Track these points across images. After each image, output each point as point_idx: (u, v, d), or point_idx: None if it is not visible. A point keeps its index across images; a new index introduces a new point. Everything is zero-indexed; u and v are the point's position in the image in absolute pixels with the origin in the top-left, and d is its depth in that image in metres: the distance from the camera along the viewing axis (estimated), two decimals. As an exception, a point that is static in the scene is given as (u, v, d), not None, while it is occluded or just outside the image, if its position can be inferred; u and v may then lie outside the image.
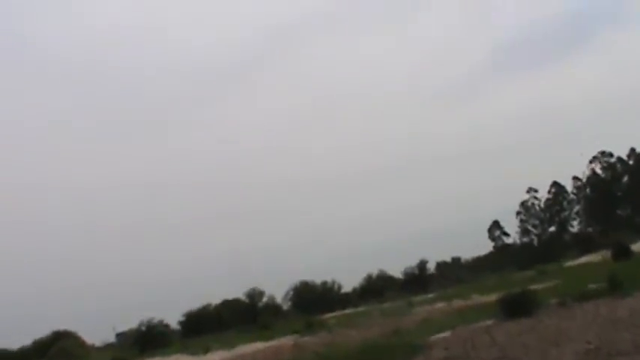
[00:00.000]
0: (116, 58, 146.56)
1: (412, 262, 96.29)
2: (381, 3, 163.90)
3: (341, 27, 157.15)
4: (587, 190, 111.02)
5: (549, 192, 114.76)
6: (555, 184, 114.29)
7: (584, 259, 63.63)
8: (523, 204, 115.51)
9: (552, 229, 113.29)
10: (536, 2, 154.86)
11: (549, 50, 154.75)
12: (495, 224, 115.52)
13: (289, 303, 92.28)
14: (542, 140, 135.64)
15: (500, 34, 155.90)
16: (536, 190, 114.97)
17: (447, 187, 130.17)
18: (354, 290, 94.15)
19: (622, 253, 42.78)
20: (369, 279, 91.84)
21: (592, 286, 31.82)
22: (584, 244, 77.23)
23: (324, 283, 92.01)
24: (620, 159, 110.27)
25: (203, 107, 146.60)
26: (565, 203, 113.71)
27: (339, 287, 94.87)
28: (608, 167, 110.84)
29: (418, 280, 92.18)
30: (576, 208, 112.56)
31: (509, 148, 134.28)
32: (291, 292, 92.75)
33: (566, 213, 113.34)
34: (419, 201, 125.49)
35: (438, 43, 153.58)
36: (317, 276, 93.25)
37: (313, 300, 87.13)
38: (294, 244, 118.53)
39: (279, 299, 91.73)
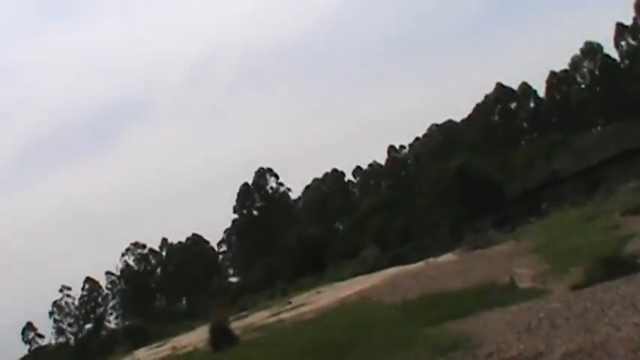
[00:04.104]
0: None
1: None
2: None
3: None
4: (122, 283, 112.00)
5: (83, 289, 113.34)
6: (89, 279, 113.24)
7: (144, 353, 63.71)
8: (56, 303, 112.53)
9: (89, 326, 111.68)
10: (66, 99, 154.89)
11: (78, 147, 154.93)
12: (29, 326, 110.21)
13: None
14: (74, 238, 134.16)
15: (25, 133, 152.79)
16: (69, 288, 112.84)
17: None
18: None
19: (224, 339, 34.37)
20: None
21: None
22: (135, 336, 76.89)
23: None
24: (152, 250, 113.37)
25: None
26: (100, 299, 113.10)
27: None
28: (142, 259, 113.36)
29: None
30: (112, 302, 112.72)
31: (42, 249, 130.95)
32: None
33: (102, 309, 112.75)
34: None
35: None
36: None
37: None
38: None
39: None
